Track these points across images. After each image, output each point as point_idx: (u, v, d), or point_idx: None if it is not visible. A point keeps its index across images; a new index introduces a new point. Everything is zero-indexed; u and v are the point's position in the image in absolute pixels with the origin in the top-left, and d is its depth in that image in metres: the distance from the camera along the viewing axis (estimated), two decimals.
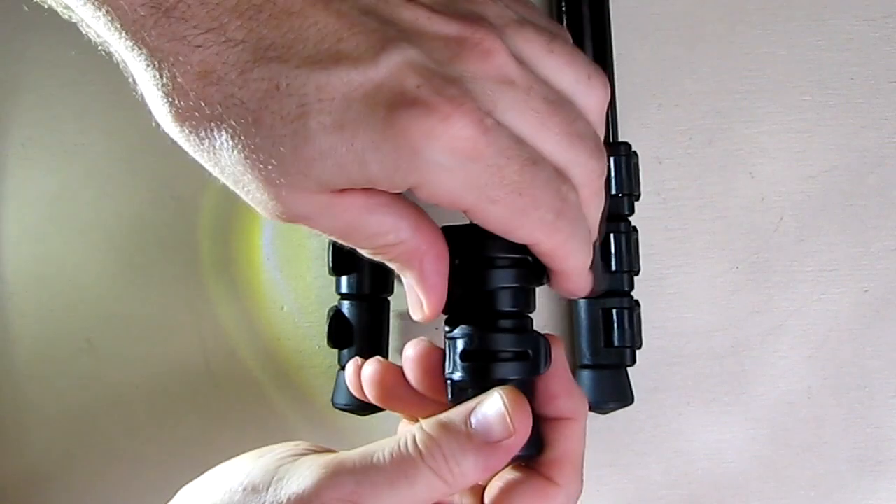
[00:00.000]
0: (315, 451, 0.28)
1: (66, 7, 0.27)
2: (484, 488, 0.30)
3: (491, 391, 0.28)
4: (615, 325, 0.40)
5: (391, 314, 0.42)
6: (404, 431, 0.27)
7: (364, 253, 0.28)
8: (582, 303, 0.41)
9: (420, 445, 0.26)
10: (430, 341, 0.30)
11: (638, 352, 0.41)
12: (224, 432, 0.43)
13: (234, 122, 0.25)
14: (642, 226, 0.42)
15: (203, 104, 0.25)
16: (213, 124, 0.25)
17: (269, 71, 0.24)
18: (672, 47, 0.44)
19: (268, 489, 0.26)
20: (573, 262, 0.28)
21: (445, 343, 0.30)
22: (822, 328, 0.43)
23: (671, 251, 0.43)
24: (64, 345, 0.44)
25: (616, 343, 0.40)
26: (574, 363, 0.41)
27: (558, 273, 0.29)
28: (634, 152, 0.41)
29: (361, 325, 0.41)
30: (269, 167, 0.25)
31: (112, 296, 0.44)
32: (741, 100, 0.44)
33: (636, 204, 0.41)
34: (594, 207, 0.29)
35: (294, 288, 0.44)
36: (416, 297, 0.28)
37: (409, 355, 0.30)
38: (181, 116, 0.25)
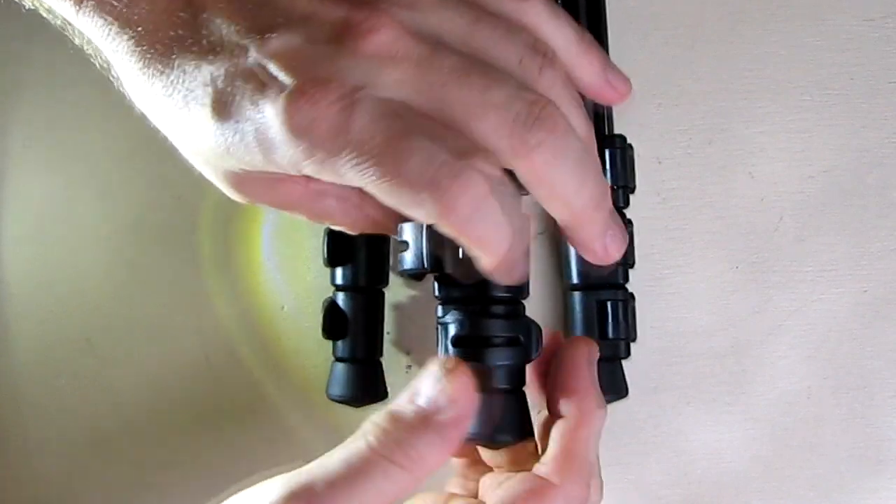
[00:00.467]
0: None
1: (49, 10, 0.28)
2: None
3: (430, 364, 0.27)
4: (609, 317, 0.40)
5: (386, 305, 0.42)
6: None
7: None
8: (576, 295, 0.41)
9: (370, 437, 0.26)
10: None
11: (638, 352, 0.41)
12: (224, 432, 0.43)
13: (152, 117, 0.28)
14: (642, 226, 0.42)
15: (131, 97, 0.28)
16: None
17: (163, 63, 0.26)
18: (672, 47, 0.44)
19: None
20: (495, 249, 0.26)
21: (437, 328, 0.30)
22: (822, 328, 0.43)
23: (671, 251, 0.43)
24: (64, 345, 0.44)
25: (610, 335, 0.40)
26: None
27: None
28: (629, 145, 0.41)
29: (356, 317, 0.41)
30: (188, 154, 0.28)
31: (112, 296, 0.44)
32: (741, 100, 0.44)
33: (637, 204, 0.41)
34: (547, 190, 0.26)
35: (294, 288, 0.44)
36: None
37: None
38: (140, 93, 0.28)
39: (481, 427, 0.28)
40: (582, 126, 0.28)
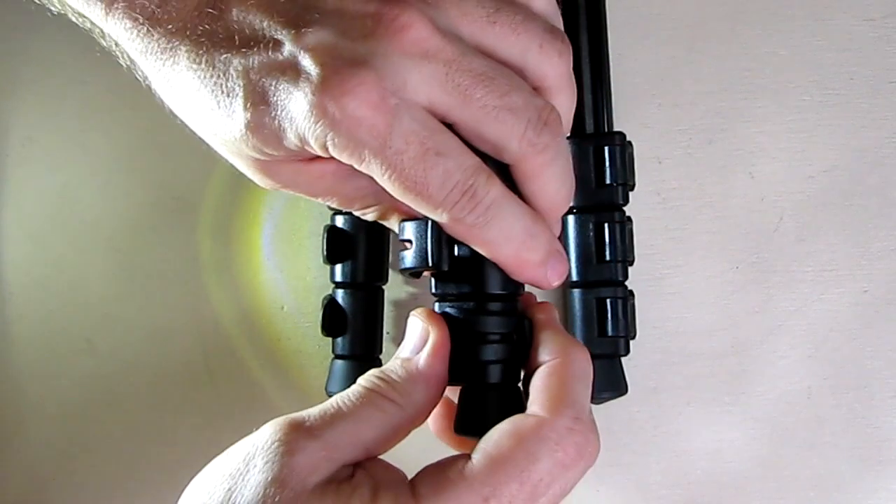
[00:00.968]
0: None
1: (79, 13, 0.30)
2: None
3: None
4: (609, 314, 0.40)
5: (386, 302, 0.42)
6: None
7: (356, 213, 0.31)
8: (576, 292, 0.41)
9: (361, 380, 0.28)
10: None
11: (638, 352, 0.41)
12: (224, 432, 0.43)
13: (181, 112, 0.29)
14: (642, 226, 0.42)
15: (159, 94, 0.29)
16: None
17: (193, 59, 0.27)
18: (672, 47, 0.44)
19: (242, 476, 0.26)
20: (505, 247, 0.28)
21: None
22: (822, 328, 0.43)
23: (671, 251, 0.43)
24: (64, 345, 0.44)
25: (610, 333, 0.40)
26: None
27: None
28: (629, 142, 0.41)
29: (356, 314, 0.41)
30: (216, 145, 0.29)
31: (112, 296, 0.44)
32: (741, 100, 0.44)
33: (637, 204, 0.41)
34: (538, 186, 0.29)
35: (294, 288, 0.44)
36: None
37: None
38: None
39: (477, 422, 0.28)
40: (570, 114, 0.31)
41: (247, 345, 0.43)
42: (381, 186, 0.27)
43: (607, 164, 0.40)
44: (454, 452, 0.27)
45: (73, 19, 0.31)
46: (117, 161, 0.45)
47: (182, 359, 0.43)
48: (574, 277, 0.41)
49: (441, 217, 0.27)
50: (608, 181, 0.40)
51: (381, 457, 0.28)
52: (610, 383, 0.40)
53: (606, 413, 0.42)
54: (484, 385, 0.29)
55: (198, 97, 0.27)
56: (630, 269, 0.41)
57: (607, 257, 0.40)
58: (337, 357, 0.41)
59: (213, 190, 0.44)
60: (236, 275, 0.44)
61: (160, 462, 0.43)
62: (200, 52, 0.27)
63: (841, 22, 0.44)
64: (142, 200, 0.44)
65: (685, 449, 0.42)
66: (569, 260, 0.41)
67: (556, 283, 0.29)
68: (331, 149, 0.26)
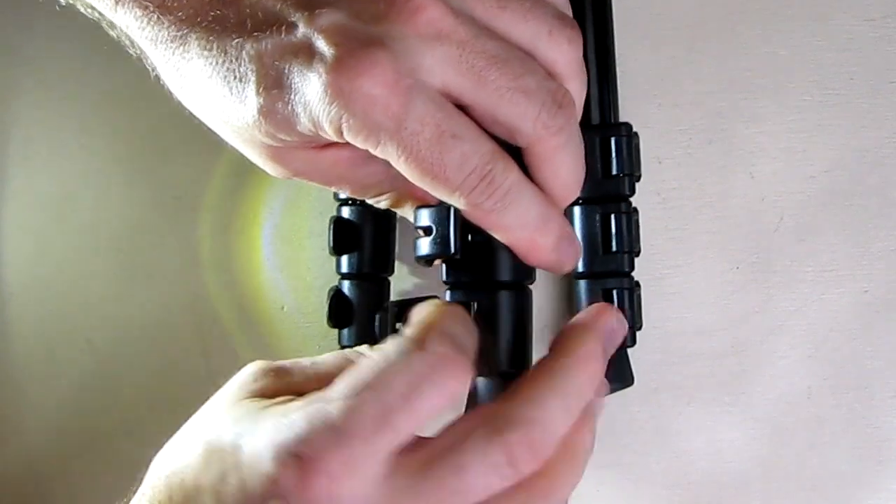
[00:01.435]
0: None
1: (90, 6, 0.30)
2: None
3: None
4: (615, 305, 0.40)
5: (392, 294, 0.42)
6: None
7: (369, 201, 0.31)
8: (582, 283, 0.41)
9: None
10: None
11: (638, 352, 0.41)
12: None
13: (189, 102, 0.28)
14: (642, 226, 0.42)
15: (168, 85, 0.28)
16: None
17: (203, 45, 0.27)
18: (672, 47, 0.44)
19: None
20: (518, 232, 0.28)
21: None
22: (823, 328, 0.43)
23: (671, 251, 0.43)
24: (64, 345, 0.44)
25: None
26: None
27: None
28: (635, 133, 0.41)
29: (361, 305, 0.41)
30: (226, 134, 0.28)
31: (112, 296, 0.44)
32: (741, 100, 0.44)
33: (637, 204, 0.41)
34: (552, 169, 0.28)
35: (294, 288, 0.44)
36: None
37: None
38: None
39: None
40: (581, 100, 0.31)
41: (247, 345, 0.43)
42: (395, 172, 0.27)
43: (613, 154, 0.40)
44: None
45: (82, 9, 0.30)
46: (117, 161, 0.45)
47: (182, 359, 0.43)
48: (580, 268, 0.40)
49: (458, 202, 0.27)
50: (614, 172, 0.40)
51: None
52: (616, 374, 0.40)
53: (606, 413, 0.42)
54: (496, 372, 0.29)
55: (209, 84, 0.27)
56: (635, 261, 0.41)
57: (614, 248, 0.40)
58: (343, 349, 0.41)
59: (212, 190, 0.44)
60: (236, 275, 0.44)
61: None
62: (211, 38, 0.27)
63: (841, 22, 0.44)
64: (142, 200, 0.44)
65: (685, 449, 0.42)
66: None
67: (569, 267, 0.29)
68: (345, 131, 0.26)
